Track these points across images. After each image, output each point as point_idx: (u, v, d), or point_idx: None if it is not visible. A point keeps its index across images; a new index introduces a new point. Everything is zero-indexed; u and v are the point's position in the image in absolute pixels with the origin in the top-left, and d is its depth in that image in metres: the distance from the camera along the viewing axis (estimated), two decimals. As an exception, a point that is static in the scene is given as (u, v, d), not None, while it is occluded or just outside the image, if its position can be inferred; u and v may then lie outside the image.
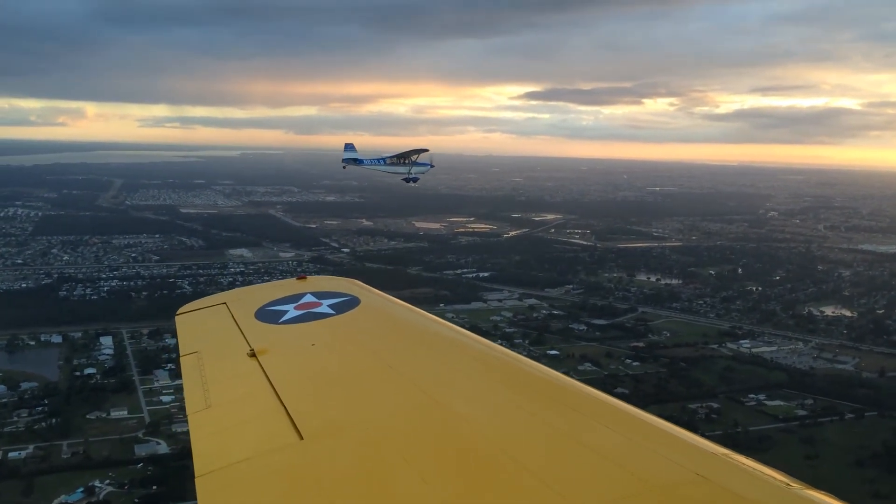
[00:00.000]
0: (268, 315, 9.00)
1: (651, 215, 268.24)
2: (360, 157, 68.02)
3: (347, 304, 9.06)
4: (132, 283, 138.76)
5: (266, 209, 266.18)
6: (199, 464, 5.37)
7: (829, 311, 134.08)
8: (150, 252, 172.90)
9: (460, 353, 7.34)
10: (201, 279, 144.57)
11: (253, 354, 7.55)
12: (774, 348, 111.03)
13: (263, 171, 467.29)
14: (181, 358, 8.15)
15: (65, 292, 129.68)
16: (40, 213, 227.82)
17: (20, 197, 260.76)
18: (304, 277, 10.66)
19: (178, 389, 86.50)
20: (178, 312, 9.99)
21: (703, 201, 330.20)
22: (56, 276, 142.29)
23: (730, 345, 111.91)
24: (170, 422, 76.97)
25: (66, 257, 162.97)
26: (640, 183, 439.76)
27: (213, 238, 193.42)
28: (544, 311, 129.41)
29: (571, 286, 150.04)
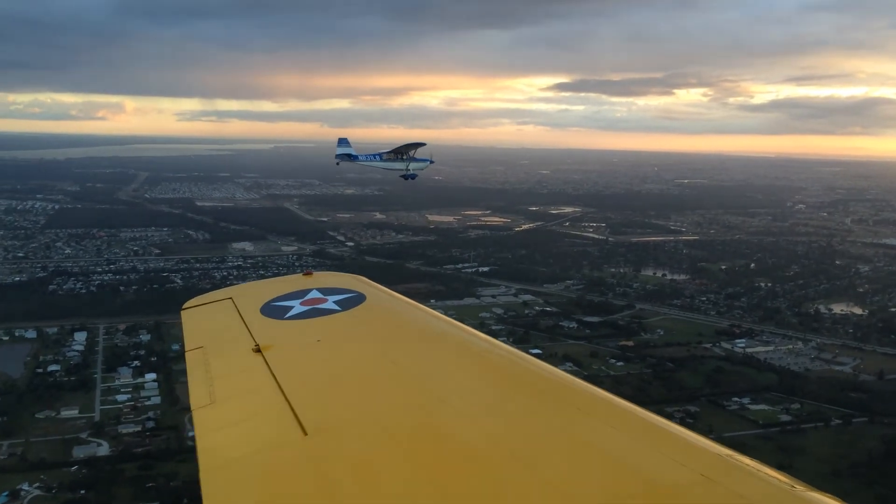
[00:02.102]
0: (273, 310, 8.96)
1: (673, 208, 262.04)
2: (354, 153, 63.57)
3: (353, 300, 9.01)
4: (124, 277, 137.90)
5: (282, 202, 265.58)
6: (204, 459, 5.30)
7: (838, 308, 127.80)
8: (153, 245, 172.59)
9: (465, 350, 7.25)
10: (196, 273, 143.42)
11: (258, 350, 7.48)
12: (771, 348, 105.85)
13: (291, 164, 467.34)
14: (186, 353, 8.04)
15: (55, 286, 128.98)
16: (57, 206, 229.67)
17: (43, 190, 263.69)
18: (310, 273, 10.60)
19: (137, 388, 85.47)
20: (183, 307, 9.89)
21: (730, 194, 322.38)
22: (52, 269, 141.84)
23: (724, 344, 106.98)
24: (118, 422, 75.47)
25: (68, 250, 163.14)
26: (670, 175, 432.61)
27: (220, 231, 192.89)
28: (537, 308, 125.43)
29: (572, 282, 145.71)
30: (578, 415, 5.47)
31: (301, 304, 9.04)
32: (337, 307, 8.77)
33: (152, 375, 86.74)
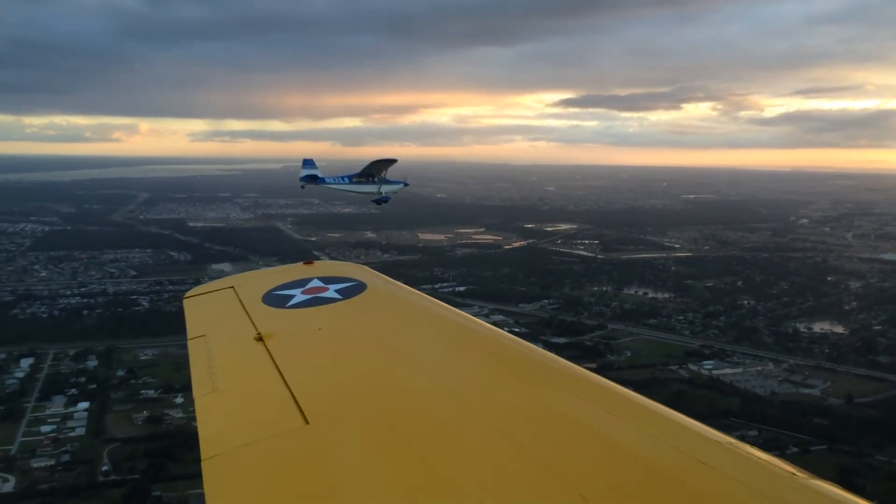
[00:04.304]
0: (275, 299, 8.92)
1: (672, 224, 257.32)
2: (320, 175, 59.03)
3: (354, 289, 8.98)
4: (91, 301, 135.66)
5: (275, 222, 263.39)
6: (206, 447, 5.34)
7: (819, 327, 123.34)
8: (131, 267, 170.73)
9: (467, 339, 7.28)
10: (165, 295, 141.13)
11: (260, 338, 7.46)
12: (739, 370, 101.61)
13: (296, 183, 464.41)
14: (188, 341, 7.96)
15: (18, 310, 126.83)
16: (47, 228, 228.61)
17: (39, 212, 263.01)
18: (311, 262, 10.53)
19: (66, 418, 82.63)
20: (185, 296, 9.84)
21: (734, 209, 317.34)
22: (21, 293, 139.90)
23: (691, 366, 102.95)
24: (32, 455, 72.42)
25: (44, 273, 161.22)
26: (678, 190, 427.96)
27: (203, 252, 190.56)
28: (506, 329, 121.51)
29: (548, 301, 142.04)
30: (579, 401, 5.46)
31: (302, 292, 8.99)
32: (338, 296, 8.73)
33: (85, 405, 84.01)
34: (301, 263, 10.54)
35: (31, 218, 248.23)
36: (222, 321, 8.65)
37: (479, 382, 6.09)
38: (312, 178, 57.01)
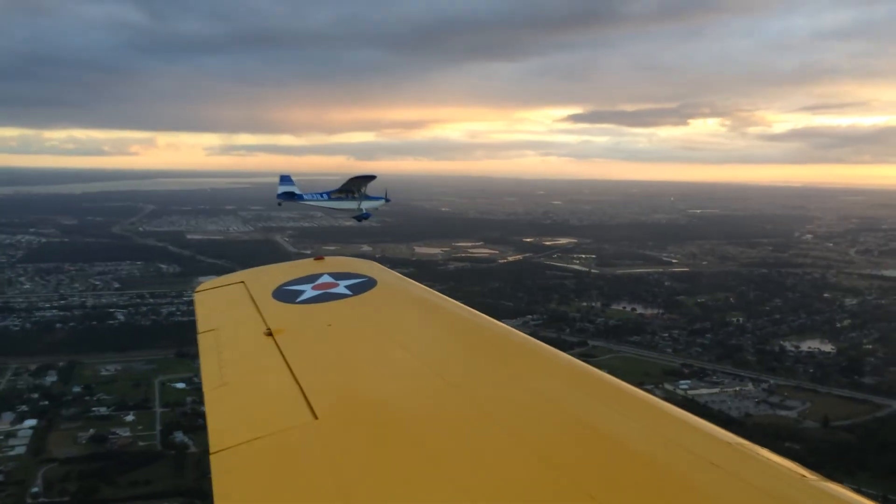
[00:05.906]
0: (285, 294, 8.84)
1: (673, 239, 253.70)
2: (298, 192, 56.80)
3: (364, 285, 8.82)
4: (67, 314, 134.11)
5: (274, 235, 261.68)
6: (214, 440, 5.35)
7: (807, 345, 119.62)
8: (117, 280, 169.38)
9: (478, 336, 7.08)
10: (143, 309, 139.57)
11: (269, 333, 7.46)
12: (716, 390, 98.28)
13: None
14: (199, 335, 7.92)
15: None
16: (44, 240, 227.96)
17: (39, 223, 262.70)
18: (322, 258, 10.39)
19: (10, 435, 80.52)
20: (196, 290, 9.84)
21: (739, 224, 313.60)
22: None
23: (667, 385, 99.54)
24: (-41, 475, 70.37)
25: (28, 286, 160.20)
26: (685, 205, 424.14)
27: (193, 265, 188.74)
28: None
29: (532, 316, 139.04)
30: (590, 401, 5.33)
31: (312, 288, 8.86)
32: (348, 291, 8.56)
33: (32, 422, 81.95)
34: (312, 259, 10.44)
35: (31, 230, 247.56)
36: (232, 315, 8.55)
37: (490, 380, 5.94)
38: (290, 196, 54.76)
